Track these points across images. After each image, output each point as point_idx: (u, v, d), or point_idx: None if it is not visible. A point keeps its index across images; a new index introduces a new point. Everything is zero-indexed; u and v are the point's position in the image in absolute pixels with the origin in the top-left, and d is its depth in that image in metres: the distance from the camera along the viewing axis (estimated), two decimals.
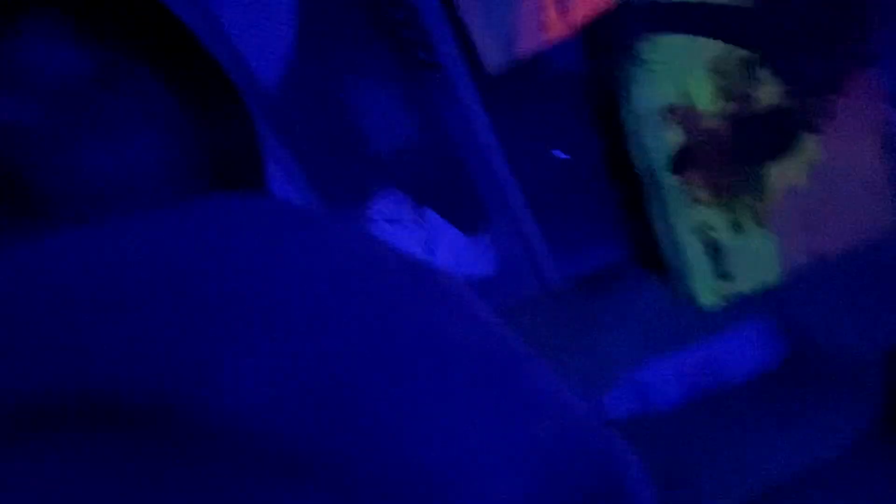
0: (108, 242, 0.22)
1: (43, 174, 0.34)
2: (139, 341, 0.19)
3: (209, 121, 0.42)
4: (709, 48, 0.90)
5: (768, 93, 0.94)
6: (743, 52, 0.91)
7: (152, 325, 0.20)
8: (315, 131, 0.85)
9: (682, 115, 0.93)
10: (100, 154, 0.36)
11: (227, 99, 0.44)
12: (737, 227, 0.99)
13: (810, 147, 0.97)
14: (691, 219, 0.98)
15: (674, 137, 0.93)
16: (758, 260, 1.01)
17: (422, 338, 0.20)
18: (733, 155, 0.96)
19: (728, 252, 1.00)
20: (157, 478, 0.17)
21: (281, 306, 0.20)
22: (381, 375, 0.19)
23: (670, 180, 0.95)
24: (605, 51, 0.90)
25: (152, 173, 0.37)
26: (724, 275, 1.00)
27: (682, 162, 0.94)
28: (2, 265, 0.23)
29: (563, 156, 0.95)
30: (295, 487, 0.17)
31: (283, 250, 0.22)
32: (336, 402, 0.18)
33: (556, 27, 0.84)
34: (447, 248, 0.93)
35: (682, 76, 0.91)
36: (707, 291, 1.01)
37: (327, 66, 0.83)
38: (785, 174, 0.98)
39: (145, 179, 0.37)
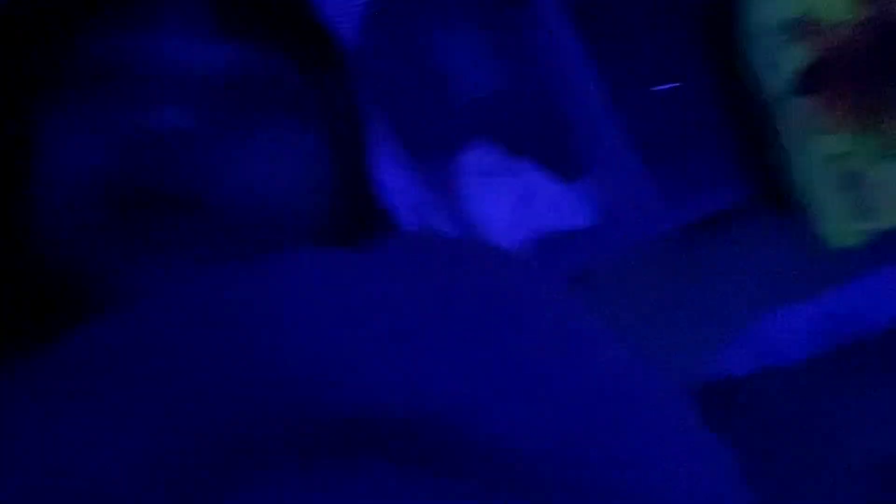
0: (333, 272, 0.28)
1: (202, 183, 0.32)
2: (398, 367, 0.24)
3: (333, 117, 0.40)
4: None
5: None
6: None
7: (406, 350, 0.25)
8: (399, 83, 0.81)
9: (810, 27, 0.81)
10: (252, 157, 0.34)
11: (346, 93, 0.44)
12: (879, 154, 0.87)
13: None
14: (823, 148, 0.87)
15: (800, 54, 0.82)
16: None
17: (628, 384, 0.28)
18: (873, 70, 0.83)
19: (868, 184, 0.88)
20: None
21: (523, 347, 0.26)
22: (607, 416, 0.25)
23: (798, 104, 0.85)
24: None
25: (295, 173, 0.36)
26: (863, 211, 0.89)
27: (811, 82, 0.83)
28: (210, 291, 0.27)
29: (668, 87, 0.87)
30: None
31: (505, 291, 0.29)
32: (575, 434, 0.24)
33: None
34: (544, 200, 0.88)
35: None
36: (842, 231, 0.90)
37: (408, 13, 0.79)
38: None
39: (290, 181, 0.35)
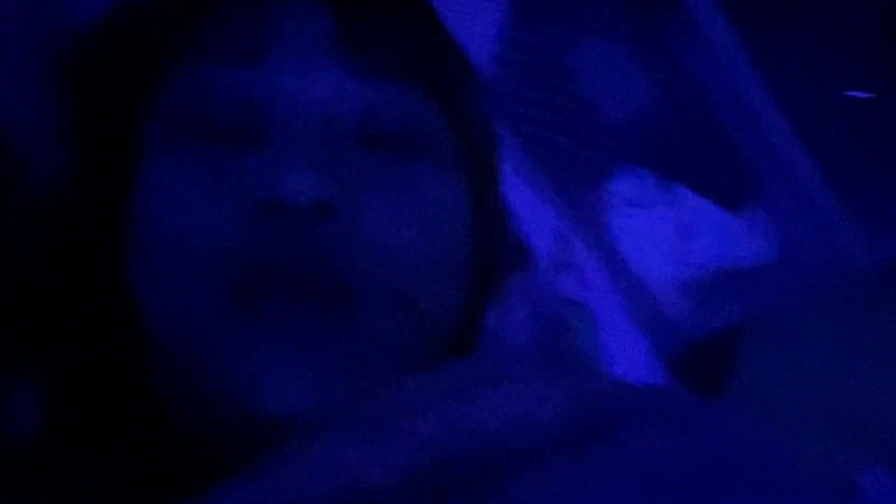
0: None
1: (342, 263, 0.27)
2: None
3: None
4: None
5: None
6: None
7: None
8: (540, 107, 0.76)
9: None
10: (400, 223, 0.28)
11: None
12: None
13: None
14: None
15: None
16: None
17: None
18: None
19: None
20: None
21: None
22: None
23: None
24: None
25: (443, 238, 0.29)
26: None
27: None
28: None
29: (862, 95, 0.75)
30: None
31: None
32: None
33: None
34: (708, 232, 0.80)
35: None
36: None
37: (546, 30, 0.75)
38: None
39: (439, 248, 0.29)
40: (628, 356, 0.73)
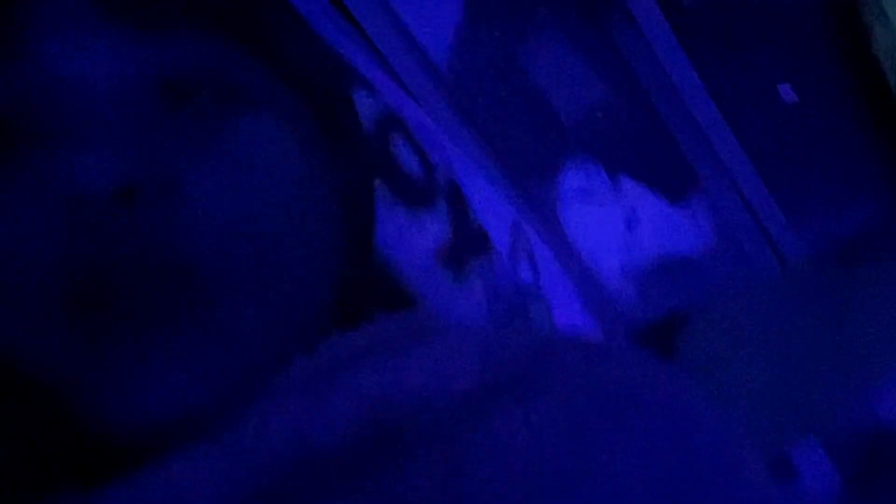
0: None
1: (174, 244, 0.24)
2: None
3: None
4: None
5: None
6: None
7: None
8: (495, 101, 0.78)
9: None
10: (233, 190, 0.25)
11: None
12: None
13: None
14: None
15: None
16: None
17: None
18: None
19: None
20: None
21: None
22: None
23: None
24: None
25: (292, 196, 0.26)
26: None
27: None
28: None
29: (791, 96, 0.79)
30: None
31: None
32: None
33: None
34: (651, 222, 0.82)
35: None
36: None
37: (500, 29, 0.77)
38: None
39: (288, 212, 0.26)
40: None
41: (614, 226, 0.82)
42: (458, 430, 0.23)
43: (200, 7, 0.26)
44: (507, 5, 0.76)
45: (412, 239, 0.57)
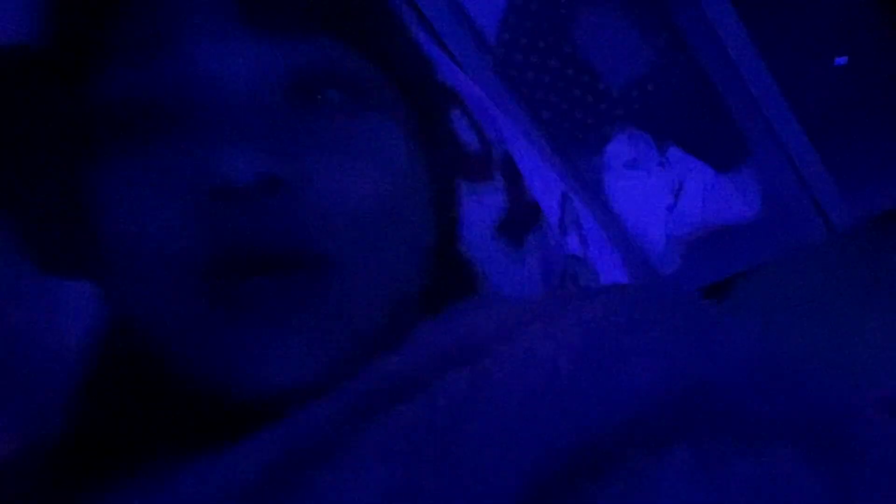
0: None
1: (302, 234, 0.25)
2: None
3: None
4: None
5: None
6: None
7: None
8: (543, 73, 0.78)
9: None
10: (354, 184, 0.26)
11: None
12: None
13: None
14: None
15: None
16: None
17: None
18: None
19: None
20: None
21: None
22: None
23: None
24: None
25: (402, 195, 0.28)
26: None
27: None
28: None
29: (842, 61, 0.77)
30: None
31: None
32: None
33: None
34: (699, 191, 0.82)
35: None
36: None
37: (550, 1, 0.76)
38: None
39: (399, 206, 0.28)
40: None
41: (661, 195, 0.82)
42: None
43: (322, 13, 0.28)
44: None
45: (473, 214, 0.57)
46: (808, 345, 0.86)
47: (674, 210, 0.82)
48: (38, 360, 0.29)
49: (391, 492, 0.20)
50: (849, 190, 0.82)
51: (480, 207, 0.57)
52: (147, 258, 0.25)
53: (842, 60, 0.78)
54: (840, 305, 0.85)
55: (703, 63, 0.77)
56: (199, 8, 0.27)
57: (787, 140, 0.76)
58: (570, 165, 0.77)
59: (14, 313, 0.29)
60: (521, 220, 0.59)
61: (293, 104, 0.27)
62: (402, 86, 0.30)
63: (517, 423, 0.21)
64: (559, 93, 0.78)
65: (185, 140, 0.25)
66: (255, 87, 0.26)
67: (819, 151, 0.78)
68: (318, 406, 0.24)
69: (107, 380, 0.28)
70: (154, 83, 0.26)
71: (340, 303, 0.26)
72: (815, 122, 0.78)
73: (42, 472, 0.28)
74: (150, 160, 0.26)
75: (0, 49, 0.28)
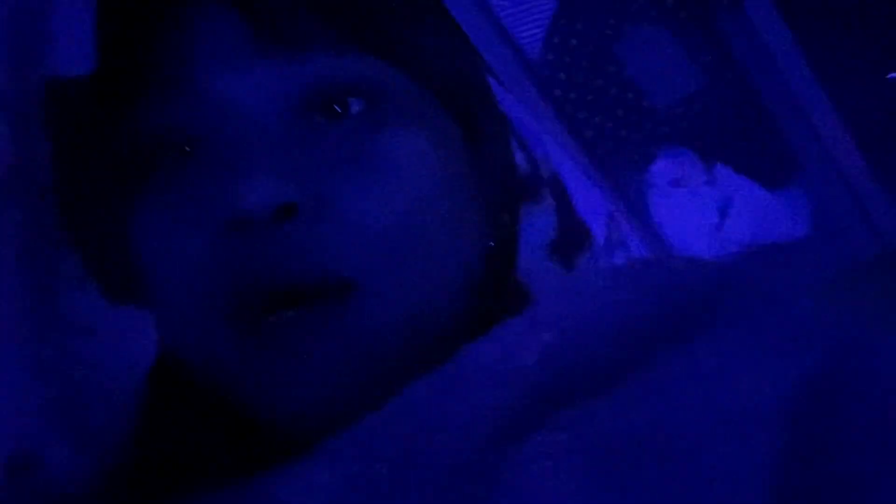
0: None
1: (327, 265, 0.25)
2: None
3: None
4: None
5: None
6: None
7: None
8: (587, 91, 0.78)
9: None
10: (385, 207, 0.26)
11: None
12: None
13: None
14: None
15: None
16: None
17: None
18: None
19: None
20: None
21: None
22: None
23: None
24: None
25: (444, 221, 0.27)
26: None
27: None
28: None
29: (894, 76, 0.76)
30: None
31: None
32: None
33: None
34: (746, 209, 0.81)
35: None
36: None
37: (595, 20, 0.76)
38: None
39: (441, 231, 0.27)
40: None
41: (707, 214, 0.81)
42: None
43: (337, 23, 0.27)
44: None
45: (524, 235, 0.57)
46: None
47: (720, 228, 0.81)
48: (105, 388, 0.29)
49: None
50: None
51: (532, 229, 0.57)
52: (177, 292, 0.26)
53: (895, 75, 0.77)
54: (892, 322, 0.83)
55: (752, 79, 0.76)
56: (212, 37, 0.26)
57: (838, 155, 0.75)
58: (615, 184, 0.76)
59: (86, 342, 0.29)
60: (571, 240, 0.59)
61: (311, 121, 0.26)
62: (443, 99, 0.28)
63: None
64: (603, 111, 0.77)
65: (201, 174, 0.25)
66: (269, 111, 0.26)
67: (871, 166, 0.77)
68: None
69: (163, 405, 0.28)
70: (173, 116, 0.26)
71: (368, 327, 0.25)
72: (867, 136, 0.76)
73: (110, 499, 0.27)
74: (171, 195, 0.26)
75: (65, 80, 0.28)
